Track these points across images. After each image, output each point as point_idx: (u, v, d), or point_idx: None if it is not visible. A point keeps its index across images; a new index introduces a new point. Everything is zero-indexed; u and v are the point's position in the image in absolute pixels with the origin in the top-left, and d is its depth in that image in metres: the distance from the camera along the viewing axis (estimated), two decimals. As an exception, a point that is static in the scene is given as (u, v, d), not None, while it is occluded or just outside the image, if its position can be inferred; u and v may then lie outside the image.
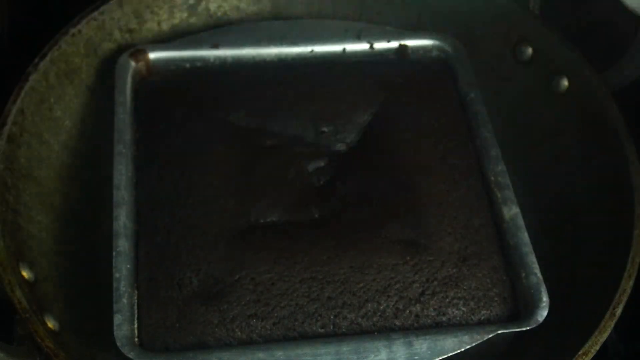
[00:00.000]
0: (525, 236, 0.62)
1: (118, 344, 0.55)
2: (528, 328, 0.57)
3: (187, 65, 0.72)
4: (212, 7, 0.78)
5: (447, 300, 0.59)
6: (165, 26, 0.77)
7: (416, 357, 0.55)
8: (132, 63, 0.70)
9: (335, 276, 0.59)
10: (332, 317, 0.58)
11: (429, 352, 0.55)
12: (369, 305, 0.58)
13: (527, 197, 0.76)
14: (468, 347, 0.55)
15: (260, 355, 0.54)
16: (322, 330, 0.57)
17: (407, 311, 0.58)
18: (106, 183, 0.71)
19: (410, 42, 0.74)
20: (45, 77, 0.68)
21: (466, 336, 0.56)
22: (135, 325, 0.57)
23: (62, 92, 0.70)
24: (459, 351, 0.55)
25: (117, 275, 0.58)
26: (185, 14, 0.77)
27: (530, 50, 0.75)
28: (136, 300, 0.58)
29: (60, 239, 0.67)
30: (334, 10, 0.81)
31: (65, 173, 0.70)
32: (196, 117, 0.67)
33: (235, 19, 0.80)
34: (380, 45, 0.73)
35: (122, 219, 0.60)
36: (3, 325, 0.62)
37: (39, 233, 0.64)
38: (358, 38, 0.73)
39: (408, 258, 0.60)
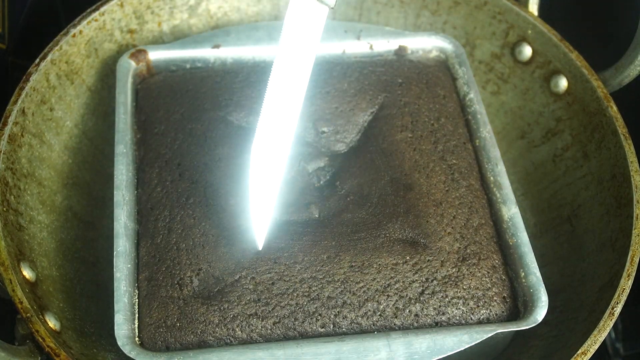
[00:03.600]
0: (524, 236, 0.62)
1: (119, 343, 0.55)
2: (527, 327, 0.57)
3: (188, 65, 0.72)
4: (213, 8, 0.78)
5: (447, 299, 0.59)
6: (165, 27, 0.77)
7: (416, 357, 0.55)
8: (133, 63, 0.70)
9: (335, 276, 0.59)
10: (332, 316, 0.58)
11: (429, 351, 0.55)
12: (369, 304, 0.58)
13: (526, 197, 0.76)
14: (467, 346, 0.56)
15: (261, 354, 0.55)
16: (322, 330, 0.58)
17: (407, 310, 0.58)
18: (107, 183, 0.71)
19: (410, 43, 0.74)
20: (46, 78, 0.68)
21: (465, 335, 0.56)
22: (136, 325, 0.57)
23: (63, 93, 0.70)
24: (458, 350, 0.55)
25: (117, 275, 0.58)
26: (185, 15, 0.78)
27: (529, 51, 0.75)
28: (137, 300, 0.58)
29: (61, 238, 0.67)
30: (333, 11, 0.81)
31: (66, 173, 0.70)
32: (196, 117, 0.67)
33: (235, 20, 0.80)
34: (379, 45, 0.74)
35: (123, 219, 0.61)
36: (4, 324, 0.63)
37: (40, 233, 0.65)
38: (358, 38, 0.73)
39: (408, 258, 0.60)
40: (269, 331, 0.57)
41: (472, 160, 0.67)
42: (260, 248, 0.59)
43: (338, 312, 0.58)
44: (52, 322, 0.58)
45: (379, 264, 0.59)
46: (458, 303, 0.59)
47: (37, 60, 0.68)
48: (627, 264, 0.60)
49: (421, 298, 0.59)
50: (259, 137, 0.58)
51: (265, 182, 0.58)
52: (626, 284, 0.59)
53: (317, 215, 0.62)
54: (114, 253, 0.59)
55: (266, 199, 0.58)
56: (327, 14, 0.57)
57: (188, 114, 0.67)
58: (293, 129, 0.58)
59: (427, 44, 0.74)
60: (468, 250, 0.61)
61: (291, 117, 0.58)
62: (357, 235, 0.61)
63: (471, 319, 0.59)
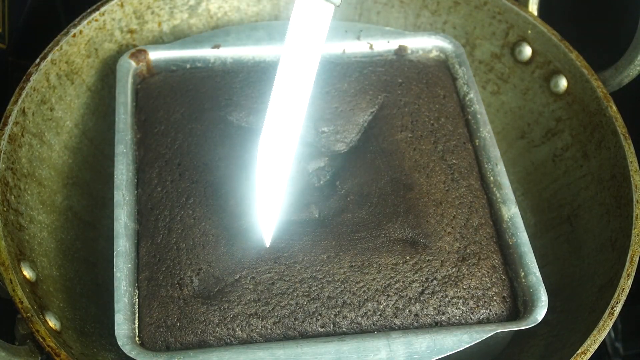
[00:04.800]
0: (524, 236, 0.62)
1: (119, 343, 0.55)
2: (527, 327, 0.57)
3: (188, 65, 0.72)
4: (213, 8, 0.78)
5: (447, 299, 0.59)
6: (165, 27, 0.77)
7: (416, 356, 0.55)
8: (133, 63, 0.70)
9: (335, 275, 0.59)
10: (332, 316, 0.58)
11: (429, 351, 0.55)
12: (369, 304, 0.58)
13: (526, 196, 0.76)
14: (467, 346, 0.56)
15: (261, 354, 0.55)
16: (322, 330, 0.58)
17: (407, 310, 0.58)
18: (107, 183, 0.71)
19: (410, 43, 0.74)
20: (47, 78, 0.68)
21: (465, 335, 0.56)
22: (136, 325, 0.57)
23: (63, 93, 0.70)
24: (458, 350, 0.55)
25: (118, 274, 0.58)
26: (185, 15, 0.78)
27: (529, 51, 0.75)
28: (137, 300, 0.58)
29: (62, 238, 0.67)
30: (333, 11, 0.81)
31: (66, 173, 0.70)
32: (196, 117, 0.67)
33: (235, 20, 0.80)
34: (379, 45, 0.74)
35: (123, 218, 0.61)
36: (4, 324, 0.63)
37: (40, 233, 0.65)
38: (358, 38, 0.73)
39: (408, 257, 0.60)
40: (269, 331, 0.57)
41: (472, 160, 0.67)
42: (267, 245, 0.59)
43: (338, 312, 0.58)
44: (53, 322, 0.58)
45: (379, 264, 0.59)
46: (458, 303, 0.59)
47: (37, 60, 0.68)
48: (627, 263, 0.60)
49: (421, 298, 0.59)
50: (265, 137, 0.58)
51: (273, 181, 0.58)
52: (626, 284, 0.59)
53: (317, 215, 0.62)
54: (114, 253, 0.59)
55: (274, 196, 0.58)
56: (333, 13, 0.57)
57: (188, 114, 0.67)
58: (299, 128, 0.58)
59: (427, 44, 0.74)
60: (468, 250, 0.61)
61: (297, 116, 0.58)
62: (357, 235, 0.61)
63: (471, 318, 0.59)
